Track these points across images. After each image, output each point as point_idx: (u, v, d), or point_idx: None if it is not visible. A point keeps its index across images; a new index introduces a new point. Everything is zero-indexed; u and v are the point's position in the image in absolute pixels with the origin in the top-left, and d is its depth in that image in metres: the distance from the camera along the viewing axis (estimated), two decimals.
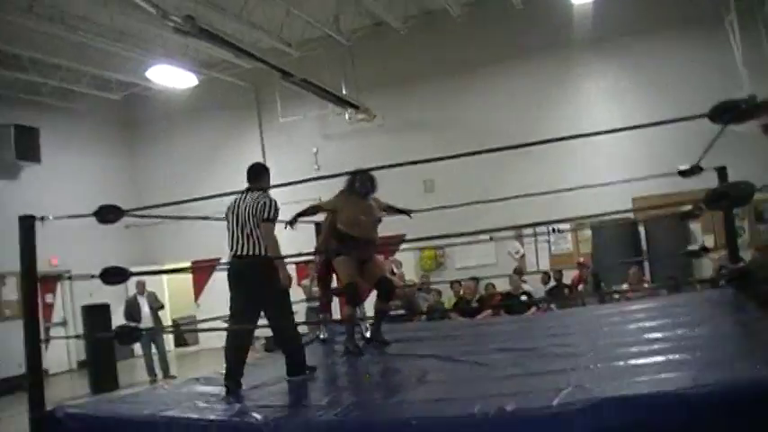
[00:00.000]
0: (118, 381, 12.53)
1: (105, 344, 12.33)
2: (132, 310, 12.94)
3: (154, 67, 14.50)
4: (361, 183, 6.55)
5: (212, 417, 4.16)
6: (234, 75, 16.44)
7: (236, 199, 5.54)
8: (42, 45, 13.52)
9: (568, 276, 13.24)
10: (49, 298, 15.79)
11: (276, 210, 5.40)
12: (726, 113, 3.57)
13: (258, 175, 5.70)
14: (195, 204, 7.79)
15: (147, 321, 12.85)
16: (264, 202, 5.37)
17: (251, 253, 5.33)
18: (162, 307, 13.74)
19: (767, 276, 6.59)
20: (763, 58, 12.14)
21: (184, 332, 17.52)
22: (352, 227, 6.47)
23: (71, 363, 16.08)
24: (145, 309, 13.13)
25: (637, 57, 14.58)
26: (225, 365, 5.28)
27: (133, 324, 12.53)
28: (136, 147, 18.84)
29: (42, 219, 5.08)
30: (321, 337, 7.62)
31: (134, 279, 12.28)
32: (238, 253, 5.36)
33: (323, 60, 15.10)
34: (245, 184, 5.62)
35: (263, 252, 5.33)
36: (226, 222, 5.55)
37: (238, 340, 5.38)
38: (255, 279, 5.34)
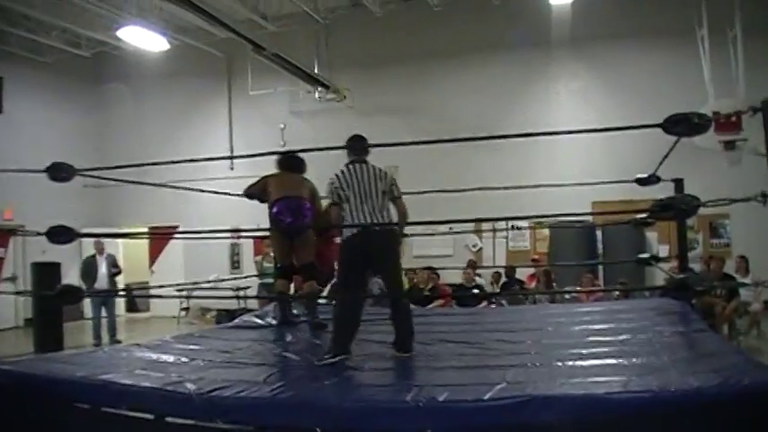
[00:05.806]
0: (62, 341, 12.31)
1: (52, 303, 12.08)
2: (89, 269, 12.79)
3: (126, 27, 14.22)
4: None
5: (146, 384, 4.12)
6: (207, 43, 16.22)
7: (352, 171, 5.36)
8: None
9: (524, 273, 13.33)
10: (0, 252, 15.53)
11: None
12: (678, 125, 3.61)
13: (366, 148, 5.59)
14: (157, 169, 7.73)
15: (101, 283, 12.66)
16: (393, 179, 5.47)
17: (386, 227, 5.36)
18: (119, 272, 13.49)
19: (706, 289, 6.71)
20: (730, 76, 12.26)
21: (138, 297, 17.31)
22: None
23: (18, 320, 15.83)
24: (102, 270, 12.93)
25: (609, 62, 14.72)
26: (336, 335, 5.12)
27: (87, 283, 12.53)
28: (102, 105, 18.48)
29: None
30: None
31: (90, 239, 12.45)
32: (377, 226, 5.27)
33: (297, 36, 15.01)
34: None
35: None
36: (340, 192, 5.32)
37: (356, 312, 5.28)
38: (393, 252, 5.45)
